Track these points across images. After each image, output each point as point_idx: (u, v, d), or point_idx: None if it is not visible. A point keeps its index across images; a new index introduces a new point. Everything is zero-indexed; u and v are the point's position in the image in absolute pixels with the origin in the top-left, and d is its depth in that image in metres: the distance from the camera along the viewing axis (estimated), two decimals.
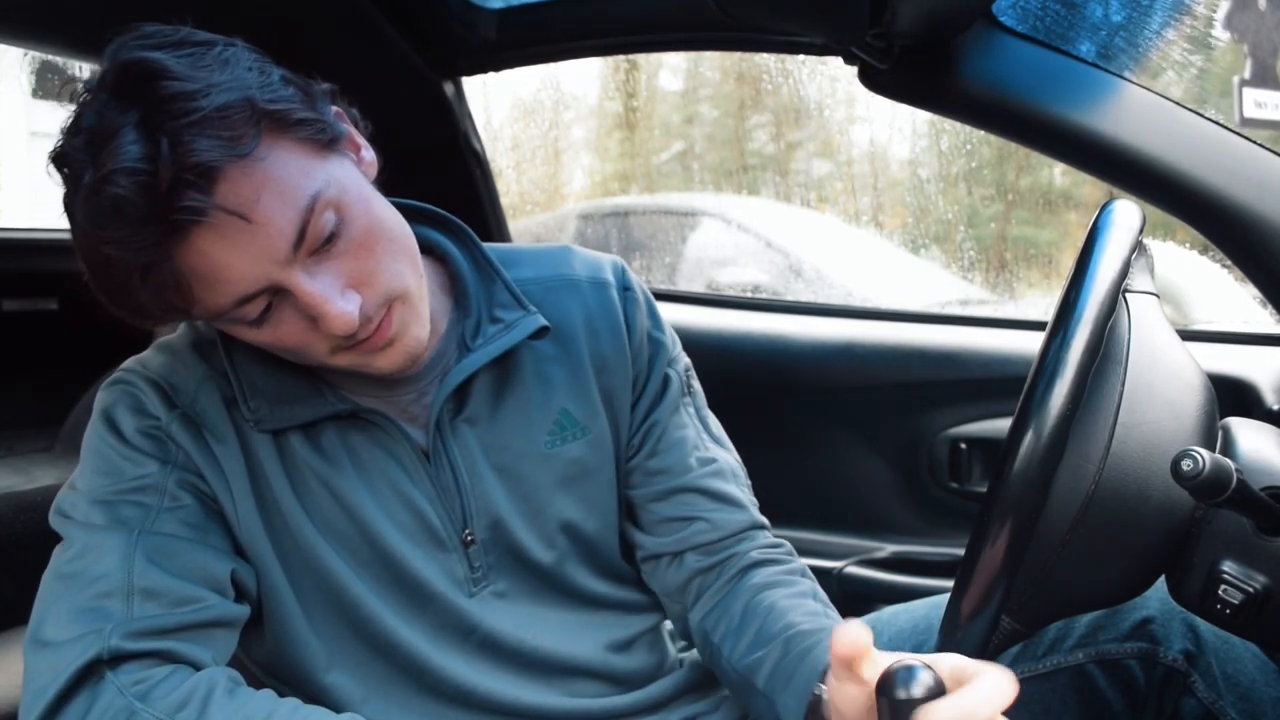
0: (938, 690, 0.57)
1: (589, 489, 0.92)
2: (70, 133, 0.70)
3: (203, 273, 0.70)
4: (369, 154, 0.83)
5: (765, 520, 0.96)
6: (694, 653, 1.01)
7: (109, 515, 0.78)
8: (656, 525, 0.94)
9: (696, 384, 1.01)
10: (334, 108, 0.81)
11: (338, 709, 0.82)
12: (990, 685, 0.58)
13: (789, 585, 0.89)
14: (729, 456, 0.98)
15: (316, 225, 0.72)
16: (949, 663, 0.61)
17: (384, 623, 0.84)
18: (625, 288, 0.95)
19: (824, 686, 0.74)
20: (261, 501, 0.83)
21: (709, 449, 0.97)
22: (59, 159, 0.71)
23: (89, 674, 0.71)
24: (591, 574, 0.94)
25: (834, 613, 0.87)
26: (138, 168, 0.65)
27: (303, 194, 0.71)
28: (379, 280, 0.76)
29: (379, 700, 0.85)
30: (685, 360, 1.00)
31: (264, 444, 0.83)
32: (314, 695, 0.83)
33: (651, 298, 0.98)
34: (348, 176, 0.77)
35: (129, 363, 0.86)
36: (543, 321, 0.87)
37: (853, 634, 0.60)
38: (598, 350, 0.92)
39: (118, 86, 0.69)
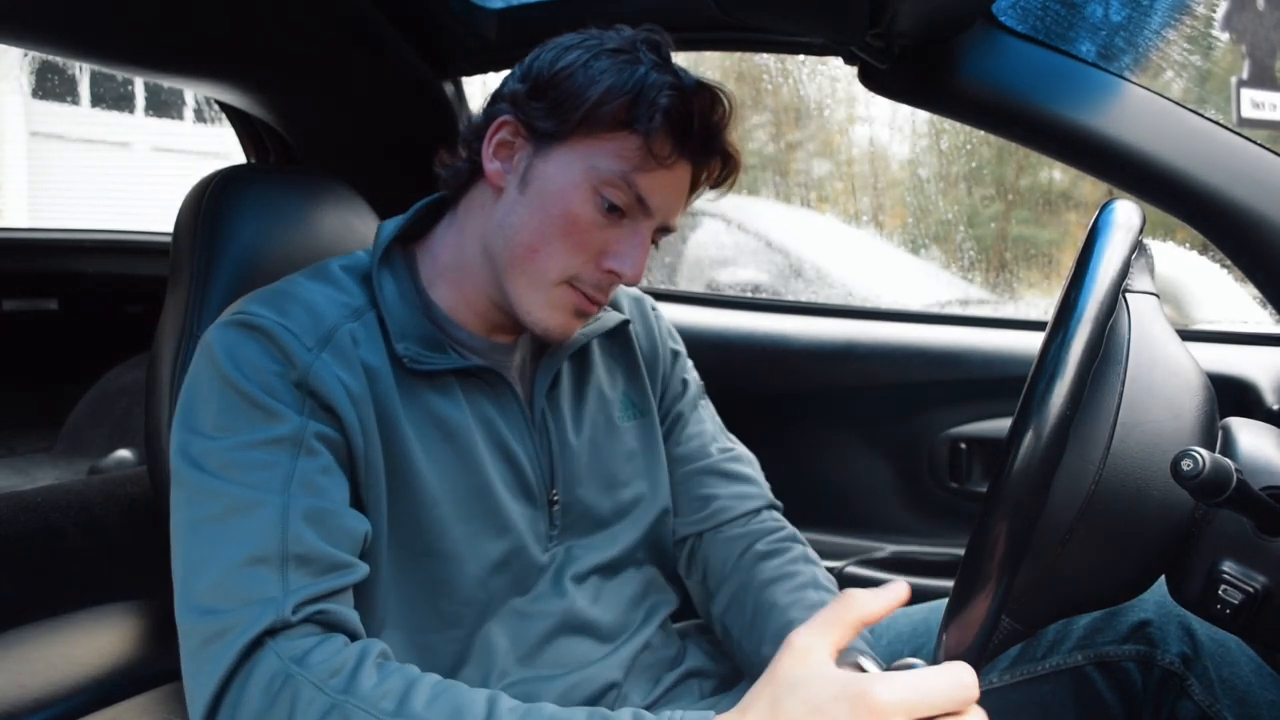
0: None
1: (650, 463, 1.05)
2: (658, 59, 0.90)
3: (673, 174, 0.89)
4: None
5: (778, 502, 1.12)
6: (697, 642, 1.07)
7: (250, 468, 0.76)
8: (683, 506, 1.08)
9: (706, 395, 1.17)
10: None
11: None
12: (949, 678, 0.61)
13: (790, 579, 1.00)
14: (743, 449, 1.15)
15: (673, 228, 0.93)
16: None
17: (463, 580, 0.88)
18: (653, 306, 1.14)
19: None
20: (389, 448, 0.84)
21: (725, 440, 1.14)
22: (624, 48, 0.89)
23: (256, 642, 0.72)
24: (642, 549, 1.04)
25: (831, 596, 0.92)
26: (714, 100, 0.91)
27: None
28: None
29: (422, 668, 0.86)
30: (697, 374, 1.17)
31: (392, 392, 0.85)
32: None
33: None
34: None
35: (251, 306, 0.84)
36: (623, 317, 1.06)
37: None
38: (643, 349, 1.09)
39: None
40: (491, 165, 0.91)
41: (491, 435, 0.92)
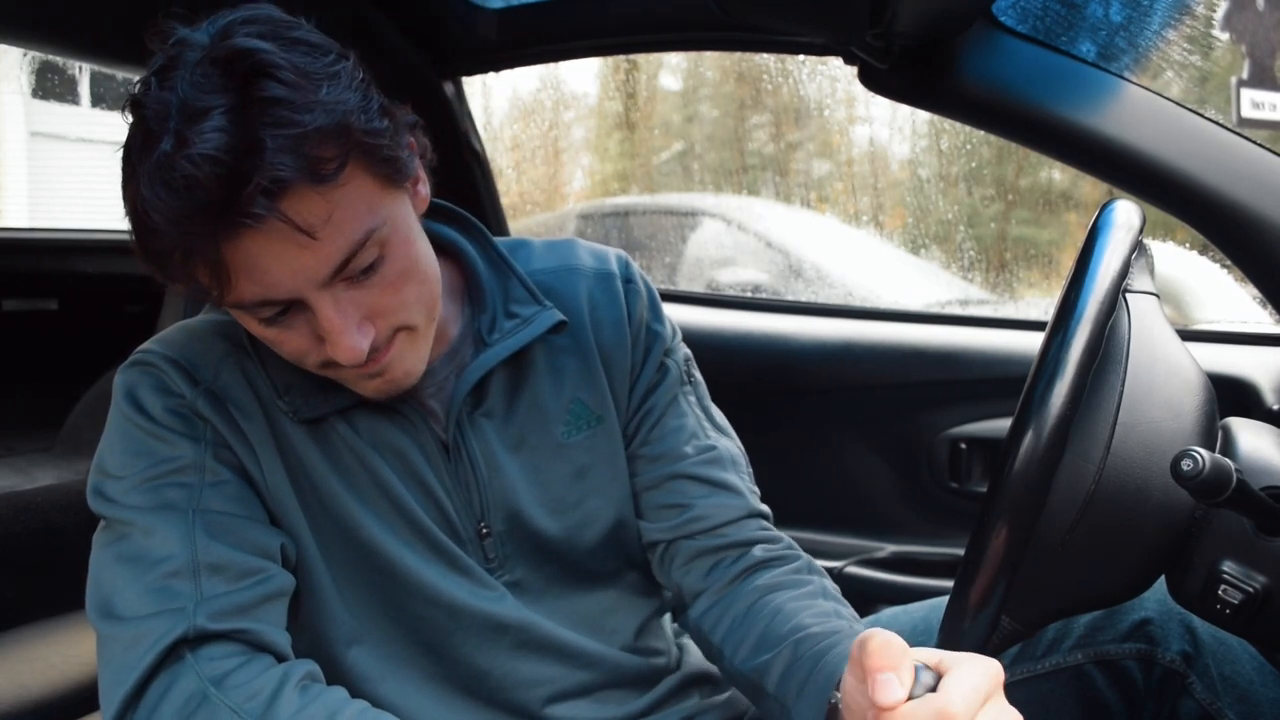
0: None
1: (606, 476, 0.93)
2: (160, 84, 0.68)
3: (239, 267, 0.70)
4: (424, 189, 0.83)
5: (766, 509, 0.96)
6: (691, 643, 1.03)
7: (157, 498, 0.78)
8: (652, 512, 0.94)
9: (698, 374, 1.01)
10: (410, 138, 0.80)
11: (355, 686, 0.83)
12: (964, 681, 0.56)
13: (797, 586, 0.88)
14: (730, 444, 0.98)
15: (360, 259, 0.72)
16: (935, 657, 0.59)
17: (414, 589, 0.85)
18: (628, 280, 0.96)
19: (839, 694, 0.67)
20: (293, 474, 0.83)
21: (709, 437, 0.96)
22: (136, 104, 0.69)
23: (172, 653, 0.72)
24: (610, 559, 0.94)
25: (846, 609, 0.87)
26: (219, 158, 0.64)
27: (361, 228, 0.72)
28: (395, 316, 0.77)
29: (395, 680, 0.86)
30: (685, 351, 1.00)
31: (295, 425, 0.84)
32: (333, 672, 0.84)
33: (654, 290, 0.99)
34: (402, 216, 0.77)
35: (147, 344, 0.85)
36: (559, 317, 0.89)
37: (883, 641, 0.57)
38: (602, 340, 0.93)
39: (224, 65, 0.67)
40: None
41: (404, 466, 0.85)
